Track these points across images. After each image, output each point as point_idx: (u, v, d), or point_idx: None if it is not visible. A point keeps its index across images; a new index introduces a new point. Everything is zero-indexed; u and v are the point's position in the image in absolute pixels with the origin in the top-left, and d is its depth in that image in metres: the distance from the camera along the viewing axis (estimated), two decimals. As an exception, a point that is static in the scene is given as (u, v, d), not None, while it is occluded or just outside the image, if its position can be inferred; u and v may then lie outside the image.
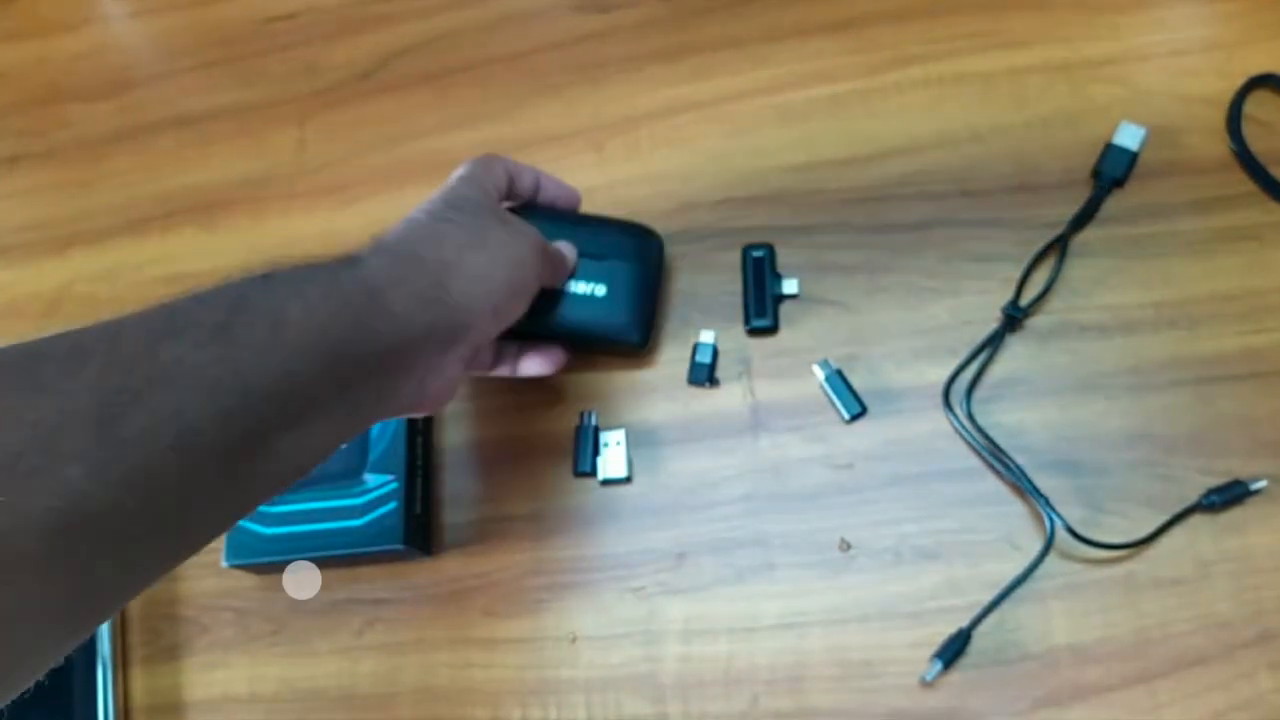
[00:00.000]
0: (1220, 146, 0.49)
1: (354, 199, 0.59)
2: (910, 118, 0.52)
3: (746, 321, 0.50)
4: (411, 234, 0.39)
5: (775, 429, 0.49)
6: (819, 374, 0.49)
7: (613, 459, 0.49)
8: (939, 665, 0.43)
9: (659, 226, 0.52)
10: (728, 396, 0.50)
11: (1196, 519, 0.44)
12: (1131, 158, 0.49)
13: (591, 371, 0.51)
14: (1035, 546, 0.44)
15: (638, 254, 0.50)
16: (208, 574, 0.52)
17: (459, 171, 0.44)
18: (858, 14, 0.55)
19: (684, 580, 0.47)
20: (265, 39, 0.65)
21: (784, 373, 0.49)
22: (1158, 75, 0.51)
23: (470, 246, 0.40)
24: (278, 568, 0.50)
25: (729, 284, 0.51)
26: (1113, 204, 0.49)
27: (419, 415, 0.48)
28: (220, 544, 0.50)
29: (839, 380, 0.48)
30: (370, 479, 0.49)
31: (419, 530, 0.49)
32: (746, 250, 0.51)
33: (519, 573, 0.49)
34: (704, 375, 0.50)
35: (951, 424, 0.47)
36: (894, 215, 0.51)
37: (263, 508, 0.49)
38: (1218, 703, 0.41)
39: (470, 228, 0.40)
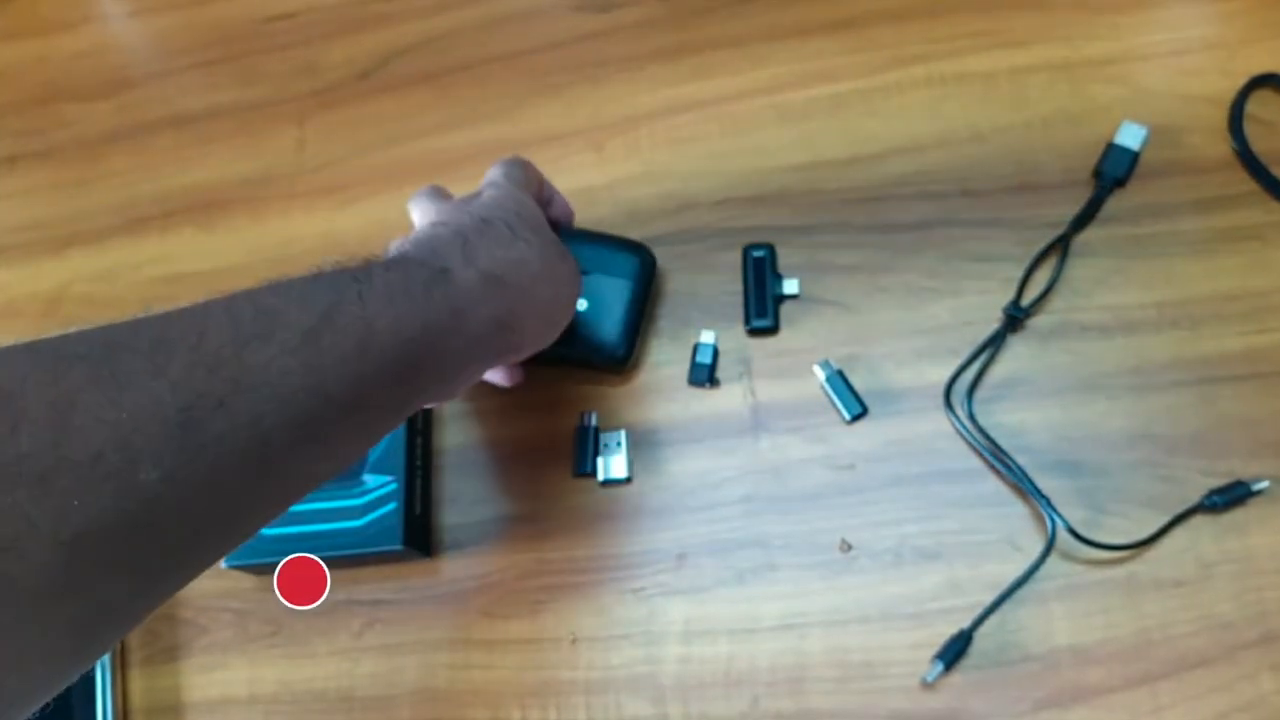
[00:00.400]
0: (1222, 146, 0.49)
1: (353, 199, 0.59)
2: (911, 117, 0.52)
3: (747, 322, 0.50)
4: (499, 249, 0.39)
5: (776, 429, 0.48)
6: (819, 374, 0.48)
7: (613, 460, 0.49)
8: (940, 666, 0.43)
9: (659, 226, 0.52)
10: (728, 397, 0.50)
11: (1198, 520, 0.44)
12: (1133, 157, 0.48)
13: (591, 372, 0.51)
14: (1036, 547, 0.44)
15: (624, 269, 0.50)
16: (207, 575, 0.50)
17: (511, 173, 0.44)
18: (858, 13, 0.55)
19: (684, 581, 0.47)
20: (264, 38, 0.64)
21: (784, 373, 0.49)
22: (1159, 75, 0.51)
23: (542, 279, 0.40)
24: (277, 568, 0.50)
25: (729, 284, 0.51)
26: (1114, 204, 0.49)
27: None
28: (219, 545, 0.50)
29: (840, 381, 0.48)
30: (369, 480, 0.49)
31: (418, 531, 0.49)
32: (747, 250, 0.51)
33: (518, 573, 0.49)
34: (704, 376, 0.50)
35: (952, 424, 0.46)
36: (895, 215, 0.51)
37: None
38: (1220, 704, 0.41)
39: (544, 257, 0.41)
